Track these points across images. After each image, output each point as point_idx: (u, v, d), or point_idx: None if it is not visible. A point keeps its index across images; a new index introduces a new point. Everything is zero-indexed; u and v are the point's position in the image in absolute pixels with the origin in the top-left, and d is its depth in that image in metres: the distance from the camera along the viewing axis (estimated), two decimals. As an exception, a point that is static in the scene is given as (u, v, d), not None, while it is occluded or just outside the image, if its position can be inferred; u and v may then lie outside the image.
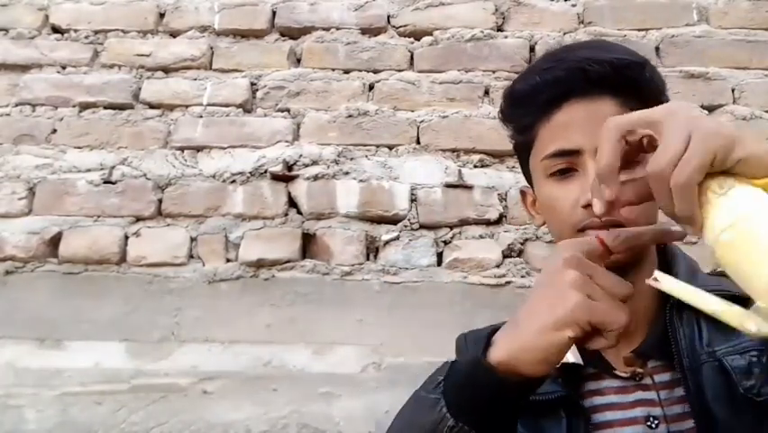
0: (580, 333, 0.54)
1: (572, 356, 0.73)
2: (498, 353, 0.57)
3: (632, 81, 0.73)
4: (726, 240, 0.48)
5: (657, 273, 0.55)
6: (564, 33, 1.73)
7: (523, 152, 0.83)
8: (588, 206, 0.69)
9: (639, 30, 1.72)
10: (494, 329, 0.64)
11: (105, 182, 1.63)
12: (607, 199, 0.55)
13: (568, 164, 0.73)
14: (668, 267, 0.77)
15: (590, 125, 0.70)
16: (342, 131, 1.66)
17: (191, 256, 1.58)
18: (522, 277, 1.55)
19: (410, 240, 1.58)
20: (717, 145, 0.49)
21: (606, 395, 0.72)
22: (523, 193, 0.90)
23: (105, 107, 1.71)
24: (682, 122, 0.51)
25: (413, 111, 1.68)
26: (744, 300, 0.49)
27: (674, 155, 0.50)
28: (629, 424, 0.69)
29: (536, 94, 0.75)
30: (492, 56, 1.71)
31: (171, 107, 1.70)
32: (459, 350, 0.92)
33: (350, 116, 1.67)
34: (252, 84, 1.72)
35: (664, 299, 0.73)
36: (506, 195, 1.61)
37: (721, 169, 0.50)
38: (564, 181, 0.74)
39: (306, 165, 1.63)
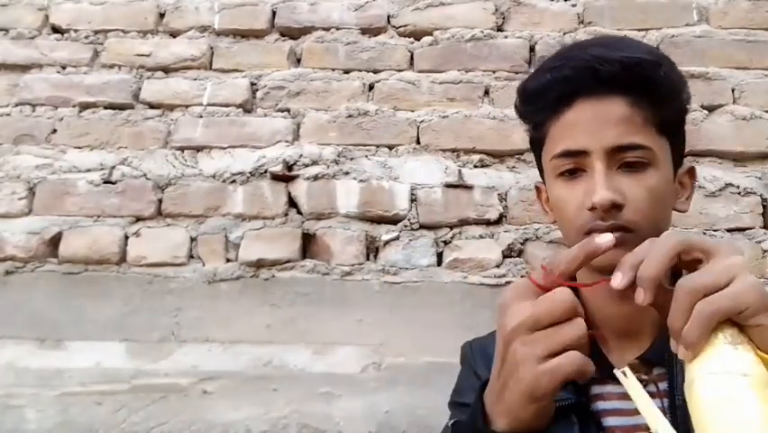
0: (555, 392, 0.54)
1: None
2: (501, 423, 0.58)
3: (644, 80, 0.71)
4: (705, 385, 0.49)
5: (626, 369, 0.56)
6: (564, 33, 1.73)
7: (537, 148, 0.82)
8: (593, 208, 0.69)
9: (639, 30, 1.72)
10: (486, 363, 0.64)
11: (105, 182, 1.63)
12: (639, 302, 0.53)
13: (575, 165, 0.73)
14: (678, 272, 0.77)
15: (598, 125, 0.70)
16: (342, 131, 1.66)
17: (191, 256, 1.58)
18: (522, 277, 1.55)
19: (410, 240, 1.58)
20: (754, 300, 0.49)
21: (609, 400, 0.72)
22: (538, 189, 0.89)
23: (105, 107, 1.71)
24: (736, 264, 0.51)
25: (413, 111, 1.68)
26: None
27: (714, 285, 0.49)
28: (632, 431, 0.69)
29: (546, 92, 0.75)
30: (492, 56, 1.71)
31: (171, 107, 1.70)
32: (463, 358, 0.90)
33: (350, 116, 1.67)
34: (252, 84, 1.72)
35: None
36: (506, 195, 1.61)
37: (742, 323, 0.50)
38: (571, 182, 0.73)
39: (306, 165, 1.63)
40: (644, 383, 0.70)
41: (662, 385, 0.70)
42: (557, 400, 0.68)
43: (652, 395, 0.70)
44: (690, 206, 0.80)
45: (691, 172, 0.81)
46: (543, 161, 0.80)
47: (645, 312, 0.72)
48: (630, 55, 0.71)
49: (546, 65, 0.77)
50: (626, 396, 0.71)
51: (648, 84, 0.71)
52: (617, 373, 0.55)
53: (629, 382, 0.55)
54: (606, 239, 0.54)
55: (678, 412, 0.67)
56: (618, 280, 0.54)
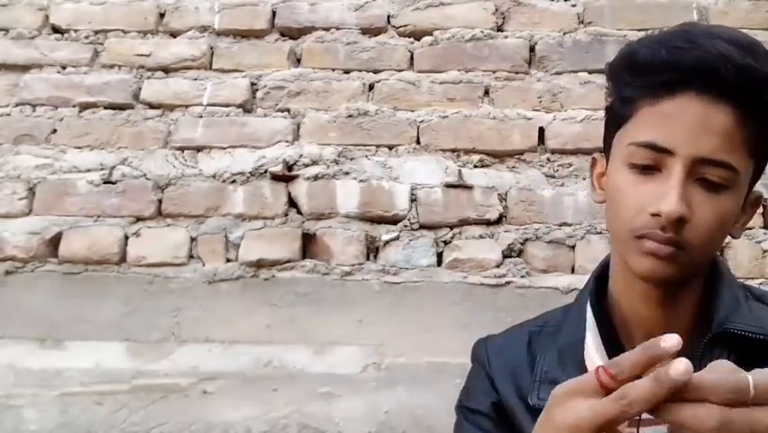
0: None
1: None
2: None
3: (760, 98, 0.64)
4: None
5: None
6: (564, 33, 1.73)
7: (613, 121, 0.72)
8: (657, 214, 0.63)
9: (639, 30, 1.72)
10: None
11: (105, 182, 1.63)
12: (666, 386, 0.45)
13: (654, 162, 0.65)
14: (712, 289, 0.72)
15: (696, 130, 0.63)
16: (342, 131, 1.66)
17: (191, 256, 1.58)
18: (522, 277, 1.55)
19: (410, 240, 1.58)
20: None
21: None
22: (594, 160, 0.79)
23: (105, 107, 1.71)
24: None
25: (413, 111, 1.68)
26: None
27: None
28: None
29: (656, 71, 0.66)
30: (492, 56, 1.71)
31: (171, 107, 1.70)
32: (475, 356, 0.86)
33: (350, 116, 1.67)
34: (252, 84, 1.72)
35: (704, 326, 0.69)
36: (506, 195, 1.61)
37: None
38: (642, 177, 0.66)
39: (306, 165, 1.63)
40: None
41: None
42: None
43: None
44: (741, 233, 0.74)
45: (758, 201, 0.74)
46: (615, 137, 0.71)
47: (681, 317, 0.70)
48: (761, 68, 0.63)
49: (667, 39, 0.67)
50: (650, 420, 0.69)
51: (764, 103, 0.64)
52: None
53: None
54: (672, 342, 0.47)
55: None
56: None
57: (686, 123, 0.63)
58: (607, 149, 0.74)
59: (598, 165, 0.77)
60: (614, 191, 0.69)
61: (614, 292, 0.75)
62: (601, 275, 0.78)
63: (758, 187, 0.73)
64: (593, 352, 0.72)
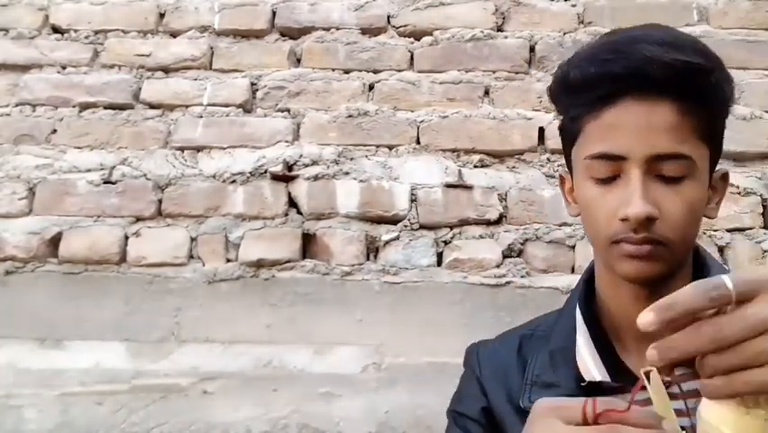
0: None
1: (599, 373, 0.70)
2: None
3: (698, 88, 0.66)
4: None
5: (653, 373, 0.51)
6: (564, 33, 1.73)
7: (568, 138, 0.75)
8: (626, 219, 0.65)
9: (639, 30, 1.72)
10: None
11: (105, 182, 1.63)
12: (644, 325, 0.46)
13: (611, 171, 0.67)
14: (701, 278, 0.73)
15: (642, 131, 0.65)
16: (342, 131, 1.66)
17: (191, 256, 1.58)
18: (522, 277, 1.55)
19: (410, 240, 1.58)
20: None
21: None
22: (562, 178, 0.82)
23: (105, 107, 1.71)
24: None
25: (413, 111, 1.68)
26: None
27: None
28: None
29: (590, 87, 0.68)
30: (492, 56, 1.71)
31: (171, 107, 1.70)
32: (467, 361, 0.86)
33: (350, 116, 1.67)
34: (252, 84, 1.72)
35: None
36: (506, 195, 1.61)
37: None
38: (605, 187, 0.68)
39: (306, 165, 1.63)
40: (667, 385, 0.67)
41: (686, 386, 0.68)
42: None
43: (674, 397, 0.67)
44: (719, 211, 0.75)
45: (725, 177, 0.76)
46: (573, 156, 0.74)
47: None
48: (687, 60, 0.64)
49: (592, 54, 0.69)
50: (648, 402, 0.69)
51: (701, 91, 0.66)
52: (643, 371, 0.52)
53: (652, 383, 0.53)
54: (646, 320, 0.47)
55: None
56: (645, 319, 0.47)
57: (631, 127, 0.65)
58: (569, 165, 0.77)
59: (566, 182, 0.79)
60: (584, 205, 0.72)
61: (602, 295, 0.76)
62: (590, 278, 0.79)
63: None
64: (585, 354, 0.73)
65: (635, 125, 0.65)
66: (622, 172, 0.67)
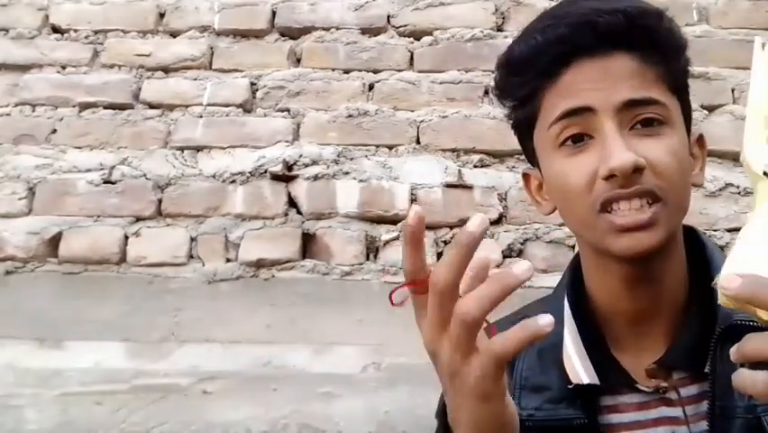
0: (500, 372, 0.47)
1: (587, 376, 0.66)
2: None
3: (650, 33, 0.63)
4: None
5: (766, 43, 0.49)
6: (564, 33, 1.73)
7: (525, 127, 0.70)
8: (610, 176, 0.59)
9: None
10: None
11: (105, 182, 1.63)
12: (725, 284, 0.44)
13: (580, 129, 0.62)
14: (699, 258, 0.69)
15: (605, 82, 0.61)
16: (342, 131, 1.66)
17: (191, 256, 1.58)
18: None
19: (410, 240, 1.57)
20: None
21: (624, 412, 0.65)
22: (526, 176, 0.75)
23: (105, 107, 1.71)
24: None
25: (413, 111, 1.68)
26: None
27: None
28: None
29: (538, 56, 0.64)
30: (492, 56, 1.69)
31: (171, 107, 1.70)
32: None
33: (350, 116, 1.67)
34: (252, 84, 1.72)
35: (695, 303, 0.66)
36: (506, 195, 1.61)
37: None
38: (578, 154, 0.63)
39: (306, 165, 1.63)
40: (663, 390, 0.64)
41: (684, 392, 0.64)
42: (564, 419, 0.64)
43: (671, 403, 0.63)
44: (704, 179, 0.70)
45: (701, 141, 0.71)
46: (536, 139, 0.68)
47: (658, 308, 0.67)
48: (630, 5, 0.62)
49: (533, 27, 0.66)
50: (643, 406, 0.64)
51: (655, 37, 0.63)
52: (757, 43, 0.48)
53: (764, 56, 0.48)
54: (523, 268, 0.45)
55: (716, 423, 0.60)
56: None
57: (593, 80, 0.62)
58: (534, 160, 0.71)
59: (531, 179, 0.74)
60: (557, 181, 0.65)
61: (590, 284, 0.72)
62: (578, 265, 0.74)
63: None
64: (572, 352, 0.68)
65: (596, 78, 0.61)
66: (594, 131, 0.62)
